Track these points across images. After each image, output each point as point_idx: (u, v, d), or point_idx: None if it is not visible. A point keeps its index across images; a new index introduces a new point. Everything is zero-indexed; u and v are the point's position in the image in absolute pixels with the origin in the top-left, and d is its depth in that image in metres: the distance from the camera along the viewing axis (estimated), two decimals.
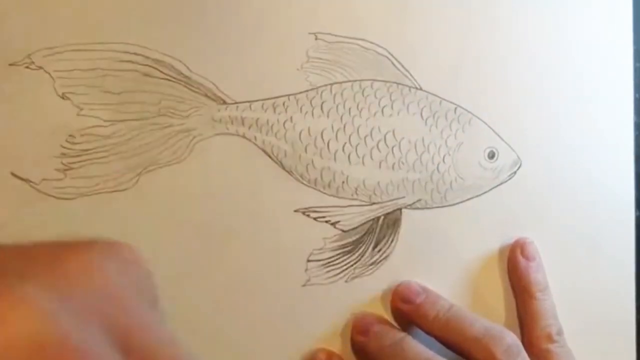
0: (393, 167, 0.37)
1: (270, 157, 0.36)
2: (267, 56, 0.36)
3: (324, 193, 0.36)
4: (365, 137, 0.37)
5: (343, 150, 0.36)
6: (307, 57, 0.36)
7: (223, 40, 0.36)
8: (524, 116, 0.39)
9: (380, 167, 0.37)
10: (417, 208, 0.37)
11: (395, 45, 0.37)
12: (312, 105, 0.36)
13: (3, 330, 0.14)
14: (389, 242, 0.37)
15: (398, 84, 0.37)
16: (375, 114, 0.37)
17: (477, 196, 0.38)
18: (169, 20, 0.35)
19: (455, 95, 0.38)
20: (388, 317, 0.37)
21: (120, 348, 0.15)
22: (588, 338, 0.39)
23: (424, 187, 0.37)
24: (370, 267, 0.37)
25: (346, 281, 0.37)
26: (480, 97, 0.38)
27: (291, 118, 0.36)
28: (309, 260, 0.36)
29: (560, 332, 0.36)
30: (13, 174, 0.34)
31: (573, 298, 0.39)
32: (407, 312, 0.36)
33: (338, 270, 0.36)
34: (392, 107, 0.37)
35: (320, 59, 0.36)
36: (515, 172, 0.38)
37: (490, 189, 0.38)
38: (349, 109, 0.36)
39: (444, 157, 0.37)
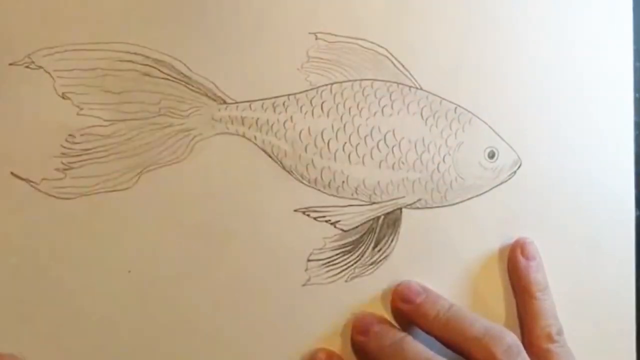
0: (393, 167, 0.37)
1: (270, 157, 0.36)
2: (267, 56, 0.36)
3: (324, 193, 0.36)
4: (365, 137, 0.37)
5: (343, 150, 0.36)
6: (307, 57, 0.36)
7: (223, 40, 0.36)
8: (524, 116, 0.39)
9: (380, 166, 0.37)
10: (417, 208, 0.37)
11: (395, 45, 0.37)
12: (312, 105, 0.36)
13: None
14: (389, 242, 0.37)
15: (398, 83, 0.37)
16: (375, 113, 0.37)
17: (477, 196, 0.38)
18: (169, 20, 0.35)
19: (455, 95, 0.38)
20: (388, 317, 0.37)
21: None
22: (588, 338, 0.39)
23: (424, 186, 0.37)
24: (370, 267, 0.37)
25: (346, 281, 0.37)
26: (480, 97, 0.38)
27: (291, 118, 0.36)
28: (309, 260, 0.36)
29: (560, 332, 0.36)
30: (13, 174, 0.34)
31: (573, 298, 0.39)
32: (407, 311, 0.36)
33: (338, 270, 0.36)
34: (392, 107, 0.37)
35: (320, 59, 0.36)
36: (515, 172, 0.38)
37: (490, 189, 0.38)
38: (349, 108, 0.37)
39: (444, 157, 0.37)
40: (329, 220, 0.36)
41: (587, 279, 0.39)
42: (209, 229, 0.35)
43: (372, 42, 0.37)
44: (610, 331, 0.40)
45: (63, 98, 0.34)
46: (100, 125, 0.34)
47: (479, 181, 0.38)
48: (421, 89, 0.37)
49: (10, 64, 0.34)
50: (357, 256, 0.37)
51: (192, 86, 0.35)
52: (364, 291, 0.37)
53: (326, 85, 0.36)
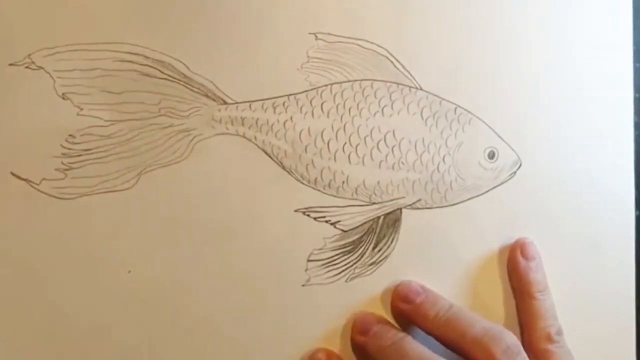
0: (393, 167, 0.37)
1: (270, 157, 0.36)
2: (267, 56, 0.36)
3: (324, 193, 0.36)
4: (365, 137, 0.37)
5: (343, 150, 0.36)
6: (307, 57, 0.36)
7: (223, 40, 0.36)
8: (524, 116, 0.39)
9: (380, 167, 0.37)
10: (417, 208, 0.37)
11: (395, 45, 0.37)
12: (312, 105, 0.36)
13: None
14: (389, 242, 0.37)
15: (398, 84, 0.37)
16: (375, 114, 0.37)
17: (477, 196, 0.38)
18: (169, 20, 0.35)
19: (455, 95, 0.38)
20: (388, 317, 0.37)
21: None
22: (588, 338, 0.39)
23: (424, 187, 0.37)
24: (370, 267, 0.37)
25: (346, 281, 0.37)
26: (480, 97, 0.38)
27: (291, 118, 0.36)
28: (309, 260, 0.36)
29: (559, 333, 0.36)
30: (13, 174, 0.34)
31: (573, 298, 0.39)
32: (407, 311, 0.36)
33: (338, 270, 0.36)
34: (392, 107, 0.37)
35: (320, 59, 0.36)
36: (515, 172, 0.38)
37: (490, 189, 0.38)
38: (349, 109, 0.37)
39: (444, 157, 0.37)
40: (329, 221, 0.36)
41: (587, 279, 0.39)
42: (209, 229, 0.35)
43: (372, 42, 0.37)
44: (610, 331, 0.40)
45: (63, 98, 0.34)
46: (100, 126, 0.34)
47: (479, 181, 0.38)
48: (421, 89, 0.37)
49: (10, 64, 0.34)
50: (357, 256, 0.37)
51: (192, 86, 0.35)
52: (364, 291, 0.37)
53: (326, 85, 0.36)
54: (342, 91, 0.37)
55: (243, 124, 0.36)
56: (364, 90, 0.37)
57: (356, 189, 0.37)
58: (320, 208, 0.36)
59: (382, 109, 0.37)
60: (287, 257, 0.36)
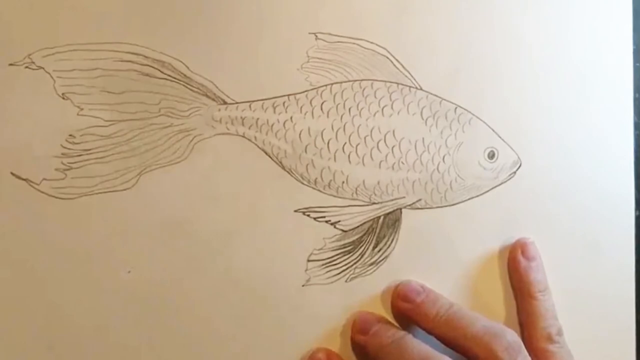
0: (393, 167, 0.37)
1: (270, 157, 0.36)
2: (267, 56, 0.36)
3: (324, 193, 0.36)
4: (365, 137, 0.37)
5: (343, 150, 0.36)
6: (307, 57, 0.36)
7: (223, 40, 0.36)
8: (524, 116, 0.39)
9: (380, 167, 0.37)
10: (417, 208, 0.37)
11: (395, 45, 0.37)
12: (312, 105, 0.36)
13: None
14: (389, 242, 0.37)
15: (398, 84, 0.37)
16: (375, 114, 0.37)
17: (477, 196, 0.38)
18: (169, 20, 0.35)
19: (455, 95, 0.38)
20: (388, 316, 0.37)
21: None
22: (588, 338, 0.39)
23: (424, 187, 0.37)
24: (370, 267, 0.37)
25: (346, 281, 0.37)
26: (480, 97, 0.38)
27: (291, 118, 0.36)
28: (309, 260, 0.36)
29: (560, 333, 0.36)
30: (13, 174, 0.34)
31: (573, 298, 0.39)
32: (407, 311, 0.36)
33: (338, 270, 0.36)
34: (392, 107, 0.37)
35: (320, 59, 0.36)
36: (515, 172, 0.38)
37: (490, 189, 0.38)
38: (349, 109, 0.37)
39: (444, 157, 0.37)
40: (329, 221, 0.36)
41: (587, 279, 0.39)
42: (209, 229, 0.35)
43: (372, 42, 0.37)
44: (610, 331, 0.40)
45: (63, 98, 0.34)
46: (100, 126, 0.34)
47: (479, 181, 0.38)
48: (421, 89, 0.37)
49: (10, 64, 0.34)
50: (357, 256, 0.37)
51: (192, 86, 0.35)
52: (364, 291, 0.37)
53: (326, 85, 0.36)
54: (342, 91, 0.37)
55: (243, 124, 0.36)
56: (364, 90, 0.37)
57: (356, 189, 0.37)
58: (320, 208, 0.36)
59: (382, 109, 0.37)
60: (287, 257, 0.36)
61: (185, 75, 0.35)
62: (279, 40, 0.36)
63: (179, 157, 0.35)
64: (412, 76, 0.37)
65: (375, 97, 0.37)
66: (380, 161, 0.37)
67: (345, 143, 0.36)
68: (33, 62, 0.34)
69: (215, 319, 0.35)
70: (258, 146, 0.36)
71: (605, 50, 0.40)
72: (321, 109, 0.36)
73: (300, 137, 0.36)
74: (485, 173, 0.38)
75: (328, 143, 0.36)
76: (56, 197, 0.34)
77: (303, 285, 0.36)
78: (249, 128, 0.36)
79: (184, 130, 0.35)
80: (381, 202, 0.37)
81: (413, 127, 0.37)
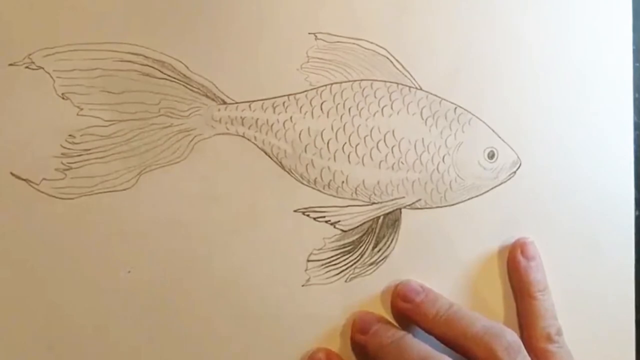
0: (393, 167, 0.37)
1: (270, 157, 0.36)
2: (267, 56, 0.36)
3: (324, 193, 0.36)
4: (365, 137, 0.37)
5: (343, 150, 0.36)
6: (307, 57, 0.36)
7: (223, 40, 0.36)
8: (524, 116, 0.39)
9: (380, 167, 0.37)
10: (417, 208, 0.37)
11: (395, 45, 0.37)
12: (312, 105, 0.36)
13: None
14: (389, 242, 0.37)
15: (398, 84, 0.37)
16: (375, 114, 0.37)
17: (476, 196, 0.38)
18: (169, 20, 0.35)
19: (455, 95, 0.38)
20: (388, 316, 0.37)
21: None
22: (588, 338, 0.39)
23: (424, 187, 0.37)
24: (370, 267, 0.37)
25: (346, 281, 0.37)
26: (480, 97, 0.38)
27: (291, 118, 0.36)
28: (309, 260, 0.36)
29: (559, 333, 0.36)
30: (13, 174, 0.34)
31: (573, 298, 0.39)
32: (407, 311, 0.36)
33: (338, 270, 0.36)
34: (392, 107, 0.37)
35: (320, 59, 0.36)
36: (515, 172, 0.38)
37: (490, 189, 0.38)
38: (349, 109, 0.37)
39: (443, 157, 0.37)
40: (329, 221, 0.36)
41: (587, 279, 0.39)
42: (208, 229, 0.35)
43: (372, 42, 0.37)
44: (610, 331, 0.40)
45: (63, 98, 0.34)
46: (100, 126, 0.34)
47: (479, 181, 0.38)
48: (421, 89, 0.37)
49: (10, 64, 0.34)
50: (357, 256, 0.37)
51: (192, 86, 0.35)
52: (364, 291, 0.37)
53: (326, 85, 0.36)
54: (342, 91, 0.37)
55: (243, 124, 0.36)
56: (363, 90, 0.37)
57: (356, 189, 0.37)
58: (320, 208, 0.36)
59: (382, 109, 0.37)
60: (287, 257, 0.36)
61: (185, 75, 0.35)
62: (279, 40, 0.36)
63: (179, 157, 0.35)
64: (412, 76, 0.37)
65: (375, 97, 0.37)
66: (380, 161, 0.37)
67: (345, 143, 0.36)
68: (33, 62, 0.34)
69: (215, 319, 0.35)
70: (258, 146, 0.36)
71: (605, 50, 0.40)
72: (321, 109, 0.36)
73: (300, 137, 0.36)
74: (485, 173, 0.38)
75: (328, 143, 0.36)
76: (56, 197, 0.34)
77: (303, 285, 0.36)
78: (249, 128, 0.36)
79: (184, 130, 0.35)
80: (381, 202, 0.37)
81: (413, 127, 0.37)
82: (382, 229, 0.37)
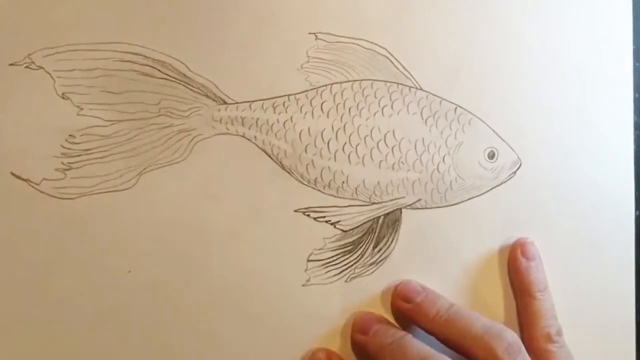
0: (393, 167, 0.37)
1: (270, 157, 0.36)
2: (267, 56, 0.36)
3: (324, 193, 0.36)
4: (365, 137, 0.37)
5: (343, 150, 0.36)
6: (307, 57, 0.36)
7: (223, 40, 0.36)
8: (524, 116, 0.39)
9: (380, 167, 0.37)
10: (417, 208, 0.37)
11: (395, 45, 0.37)
12: (312, 105, 0.36)
13: None
14: (389, 242, 0.37)
15: (398, 84, 0.37)
16: (375, 114, 0.37)
17: (477, 196, 0.38)
18: (169, 20, 0.35)
19: (455, 95, 0.38)
20: (388, 316, 0.37)
21: None
22: (588, 338, 0.39)
23: (424, 187, 0.37)
24: (370, 267, 0.37)
25: (346, 281, 0.37)
26: (480, 97, 0.38)
27: (291, 118, 0.36)
28: (309, 260, 0.36)
29: (559, 333, 0.36)
30: (13, 174, 0.34)
31: (573, 298, 0.39)
32: (407, 311, 0.36)
33: (338, 270, 0.36)
34: (392, 107, 0.37)
35: (320, 59, 0.36)
36: (515, 172, 0.38)
37: (490, 189, 0.38)
38: (349, 109, 0.37)
39: (444, 157, 0.37)
40: (329, 221, 0.36)
41: (587, 279, 0.39)
42: (209, 229, 0.35)
43: (372, 42, 0.37)
44: (610, 331, 0.40)
45: (63, 98, 0.34)
46: (100, 126, 0.34)
47: (479, 181, 0.38)
48: (421, 89, 0.37)
49: (10, 64, 0.34)
50: (357, 256, 0.37)
51: (192, 86, 0.35)
52: (364, 291, 0.37)
53: (326, 85, 0.36)
54: (342, 91, 0.37)
55: (243, 124, 0.36)
56: (364, 90, 0.37)
57: (356, 189, 0.37)
58: (320, 208, 0.36)
59: (382, 109, 0.37)
60: (287, 257, 0.36)
61: (185, 75, 0.35)
62: (279, 40, 0.36)
63: (179, 157, 0.35)
64: (412, 76, 0.37)
65: (375, 97, 0.37)
66: (380, 161, 0.37)
67: (345, 143, 0.36)
68: (33, 62, 0.34)
69: (215, 318, 0.35)
70: (258, 146, 0.36)
71: (605, 50, 0.40)
72: (321, 109, 0.36)
73: (300, 137, 0.36)
74: (485, 173, 0.38)
75: (328, 143, 0.36)
76: (56, 197, 0.34)
77: (303, 285, 0.36)
78: (249, 128, 0.36)
79: (184, 130, 0.35)
80: (381, 202, 0.37)
81: (413, 127, 0.37)
82: (382, 229, 0.37)
